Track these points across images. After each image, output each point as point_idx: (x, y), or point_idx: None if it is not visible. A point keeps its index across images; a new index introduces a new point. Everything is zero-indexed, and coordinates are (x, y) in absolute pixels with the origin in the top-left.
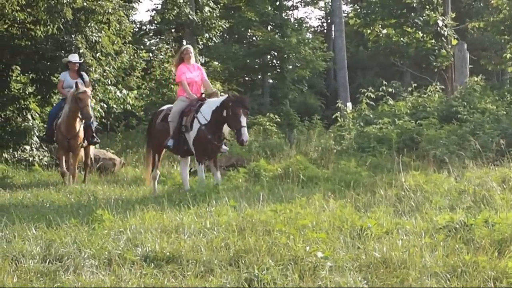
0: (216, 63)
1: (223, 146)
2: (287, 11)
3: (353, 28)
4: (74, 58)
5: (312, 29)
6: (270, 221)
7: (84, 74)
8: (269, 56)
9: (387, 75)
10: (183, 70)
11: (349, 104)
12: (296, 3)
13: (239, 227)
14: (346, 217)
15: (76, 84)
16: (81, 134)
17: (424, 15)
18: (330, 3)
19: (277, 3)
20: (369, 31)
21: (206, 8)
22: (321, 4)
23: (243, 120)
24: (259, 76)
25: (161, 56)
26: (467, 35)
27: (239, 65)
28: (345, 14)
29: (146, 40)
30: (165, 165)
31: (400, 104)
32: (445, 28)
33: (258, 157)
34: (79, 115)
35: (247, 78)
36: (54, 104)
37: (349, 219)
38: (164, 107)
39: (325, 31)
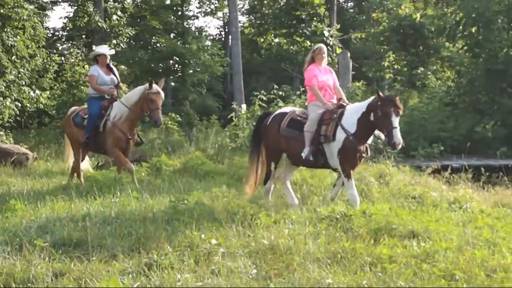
0: (123, 67)
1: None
2: (188, 20)
3: (248, 37)
4: (104, 49)
5: (211, 37)
6: (170, 211)
7: (113, 67)
8: (171, 61)
9: (279, 80)
10: (314, 72)
11: (244, 106)
12: (197, 13)
13: (141, 216)
14: (238, 208)
15: (151, 82)
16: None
17: (312, 26)
18: (227, 14)
19: (179, 13)
20: (262, 39)
21: (114, 17)
22: (219, 14)
23: (395, 121)
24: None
25: (72, 60)
26: (350, 44)
27: (144, 69)
28: (241, 24)
29: (58, 45)
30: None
31: (290, 106)
32: (330, 38)
33: (160, 153)
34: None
35: None
36: None
37: (241, 209)
38: (287, 109)
39: (223, 39)
